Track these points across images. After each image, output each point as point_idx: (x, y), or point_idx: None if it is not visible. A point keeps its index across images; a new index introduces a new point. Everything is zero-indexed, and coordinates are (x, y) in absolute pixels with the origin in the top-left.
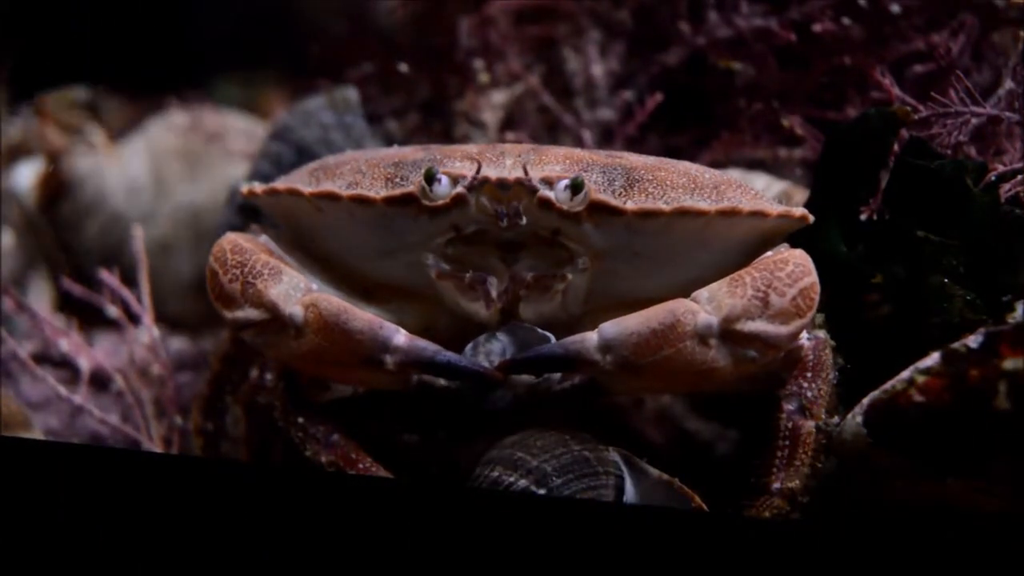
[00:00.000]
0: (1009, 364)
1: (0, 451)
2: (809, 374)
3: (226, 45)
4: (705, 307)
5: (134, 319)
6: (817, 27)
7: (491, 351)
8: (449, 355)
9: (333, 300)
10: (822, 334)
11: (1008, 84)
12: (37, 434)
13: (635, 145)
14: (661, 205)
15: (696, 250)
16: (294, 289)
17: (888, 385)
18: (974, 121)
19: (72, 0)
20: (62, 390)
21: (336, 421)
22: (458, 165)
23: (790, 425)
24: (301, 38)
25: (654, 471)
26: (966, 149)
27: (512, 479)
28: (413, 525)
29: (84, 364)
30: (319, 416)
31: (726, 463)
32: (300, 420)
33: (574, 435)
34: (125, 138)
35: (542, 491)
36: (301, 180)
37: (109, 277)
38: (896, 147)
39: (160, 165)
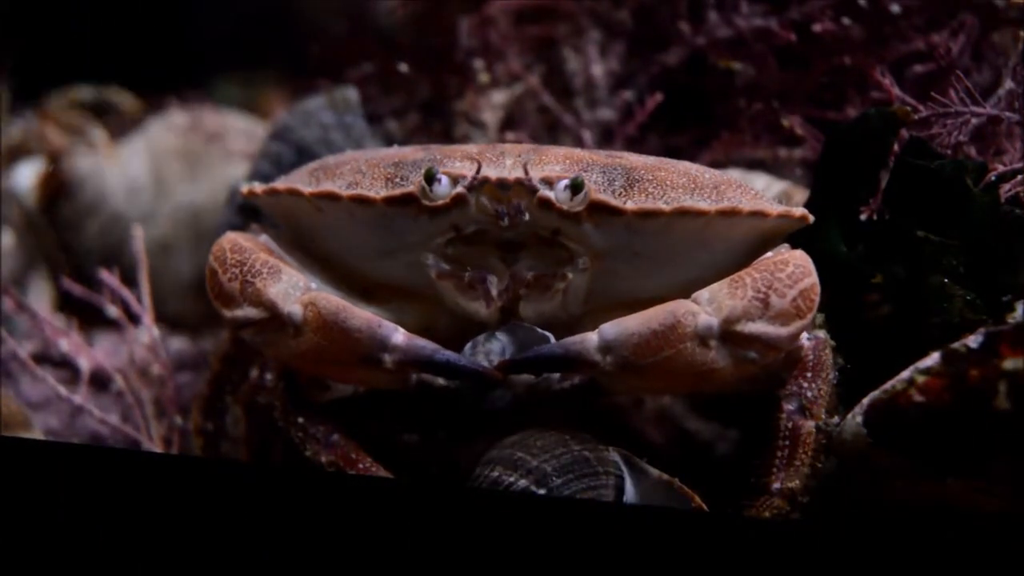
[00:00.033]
0: (1009, 364)
1: (0, 451)
2: (809, 374)
3: (226, 45)
4: (705, 308)
5: (134, 319)
6: (817, 27)
7: (490, 350)
8: (448, 354)
9: (332, 299)
10: (822, 334)
11: (1008, 84)
12: (37, 434)
13: (635, 145)
14: (661, 205)
15: (696, 250)
16: (293, 288)
17: (888, 385)
18: (974, 121)
19: (73, 1)
20: (62, 390)
21: (336, 421)
22: (458, 165)
23: (790, 425)
24: (301, 38)
25: (654, 471)
26: (966, 149)
27: (512, 479)
28: (413, 525)
29: (84, 364)
30: (319, 416)
31: (726, 463)
32: (300, 420)
33: (574, 435)
34: (125, 138)
35: (542, 491)
36: (301, 180)
37: (109, 277)
38: (896, 147)
39: (160, 165)
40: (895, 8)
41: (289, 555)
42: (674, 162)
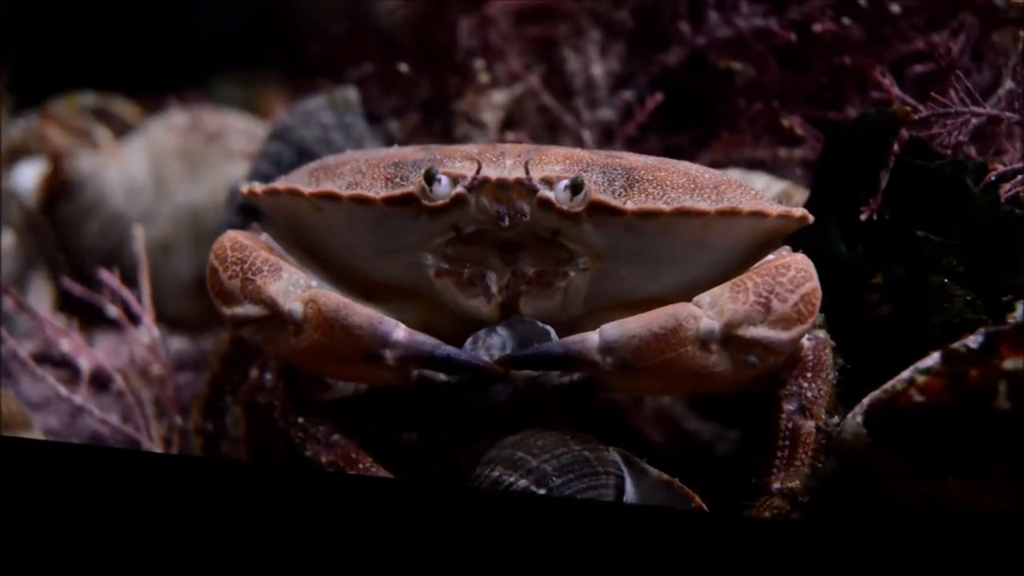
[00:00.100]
0: (1009, 364)
1: (0, 451)
2: (809, 374)
3: (226, 45)
4: (707, 312)
5: (134, 319)
6: (817, 27)
7: (491, 345)
8: (449, 349)
9: (332, 296)
10: (822, 334)
11: (1008, 84)
12: (37, 434)
13: (635, 145)
14: (661, 205)
15: (696, 250)
16: (293, 285)
17: (888, 385)
18: (974, 121)
19: (72, 1)
20: (62, 390)
21: (336, 421)
22: (458, 165)
23: (790, 425)
24: (301, 38)
25: (654, 471)
26: (966, 149)
27: (512, 479)
28: (413, 525)
29: (84, 364)
30: (319, 416)
31: (726, 463)
32: (300, 420)
33: (574, 435)
34: (126, 137)
35: (542, 491)
36: (301, 180)
37: (109, 277)
38: (896, 147)
39: (160, 165)
40: (895, 8)
41: (289, 555)
42: (674, 162)
